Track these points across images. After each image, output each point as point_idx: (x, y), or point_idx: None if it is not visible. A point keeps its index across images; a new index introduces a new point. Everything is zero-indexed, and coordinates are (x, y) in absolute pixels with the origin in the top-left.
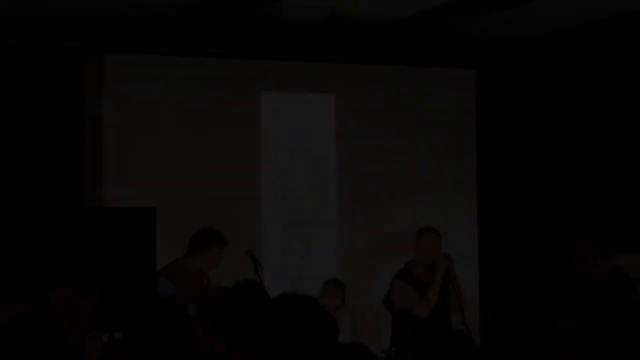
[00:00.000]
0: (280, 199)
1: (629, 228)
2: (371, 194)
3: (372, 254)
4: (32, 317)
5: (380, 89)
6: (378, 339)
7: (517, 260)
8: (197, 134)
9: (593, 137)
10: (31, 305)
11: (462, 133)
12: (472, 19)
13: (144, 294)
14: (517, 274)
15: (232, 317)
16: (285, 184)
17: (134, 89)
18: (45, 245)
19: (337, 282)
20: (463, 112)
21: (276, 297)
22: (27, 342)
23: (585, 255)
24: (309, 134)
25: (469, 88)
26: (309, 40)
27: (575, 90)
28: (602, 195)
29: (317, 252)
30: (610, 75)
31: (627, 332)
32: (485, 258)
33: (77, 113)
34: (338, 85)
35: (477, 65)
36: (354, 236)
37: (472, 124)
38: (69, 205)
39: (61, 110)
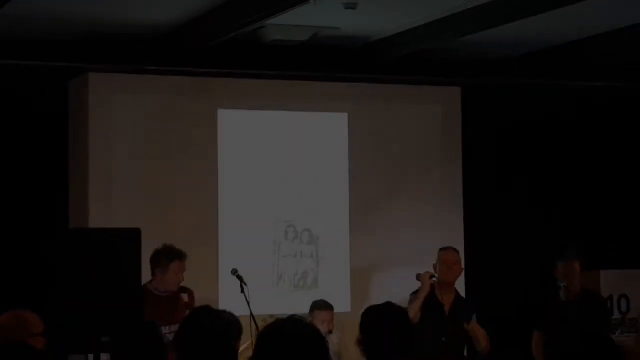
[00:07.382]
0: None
1: (616, 243)
2: (360, 208)
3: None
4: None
5: (368, 106)
6: None
7: (503, 272)
8: (183, 153)
9: (579, 149)
10: None
11: (448, 148)
12: (455, 38)
13: (128, 315)
14: (503, 285)
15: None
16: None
17: (118, 108)
18: (30, 264)
19: (328, 305)
20: (449, 127)
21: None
22: None
23: (561, 275)
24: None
25: (455, 104)
26: (292, 60)
27: (560, 105)
28: (590, 206)
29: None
30: (594, 92)
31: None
32: (471, 272)
33: (62, 132)
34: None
35: (461, 83)
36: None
37: (458, 139)
38: (54, 225)
39: (46, 129)
